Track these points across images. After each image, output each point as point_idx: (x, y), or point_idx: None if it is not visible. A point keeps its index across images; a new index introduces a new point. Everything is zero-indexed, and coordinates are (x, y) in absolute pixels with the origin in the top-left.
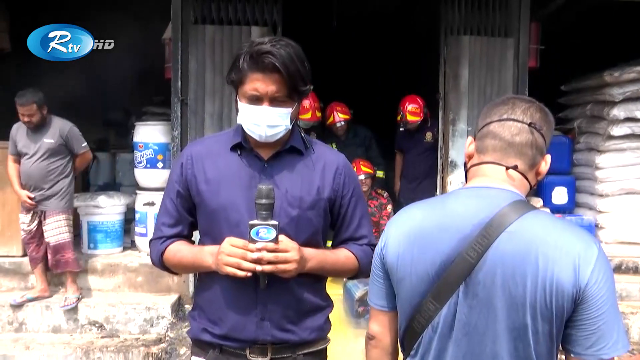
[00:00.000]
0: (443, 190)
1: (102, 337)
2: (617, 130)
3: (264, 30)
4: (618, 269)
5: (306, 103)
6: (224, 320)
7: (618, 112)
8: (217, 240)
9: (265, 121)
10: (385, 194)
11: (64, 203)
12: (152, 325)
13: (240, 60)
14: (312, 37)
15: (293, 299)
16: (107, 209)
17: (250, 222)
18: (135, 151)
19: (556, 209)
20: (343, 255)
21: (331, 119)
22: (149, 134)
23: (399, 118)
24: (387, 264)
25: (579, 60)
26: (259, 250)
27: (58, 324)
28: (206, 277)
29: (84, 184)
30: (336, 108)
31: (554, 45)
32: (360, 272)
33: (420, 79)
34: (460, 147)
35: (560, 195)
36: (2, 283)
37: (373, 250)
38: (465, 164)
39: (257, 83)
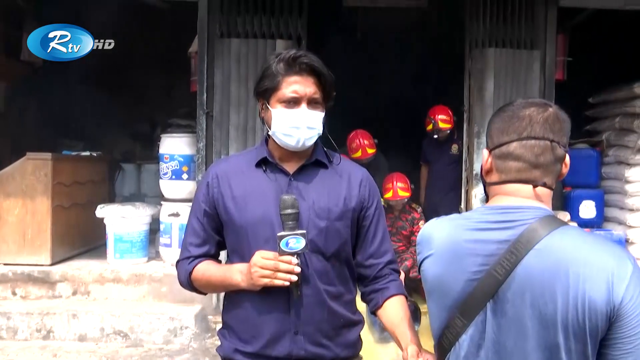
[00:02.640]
0: (468, 204)
1: (126, 347)
2: None
3: (288, 44)
4: None
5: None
6: (257, 338)
7: None
8: (245, 258)
9: (305, 123)
10: (419, 209)
11: None
12: (175, 336)
13: (272, 68)
14: (336, 50)
15: (327, 312)
16: (132, 219)
17: (279, 234)
18: (160, 162)
19: (584, 223)
20: (404, 309)
21: (359, 154)
22: (175, 145)
23: (430, 127)
24: (422, 280)
25: (607, 72)
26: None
27: (84, 333)
28: (235, 296)
29: (110, 194)
30: (364, 142)
31: (582, 57)
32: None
33: (444, 92)
34: None
35: (588, 209)
36: (31, 291)
37: (399, 273)
38: (481, 177)
39: (296, 85)
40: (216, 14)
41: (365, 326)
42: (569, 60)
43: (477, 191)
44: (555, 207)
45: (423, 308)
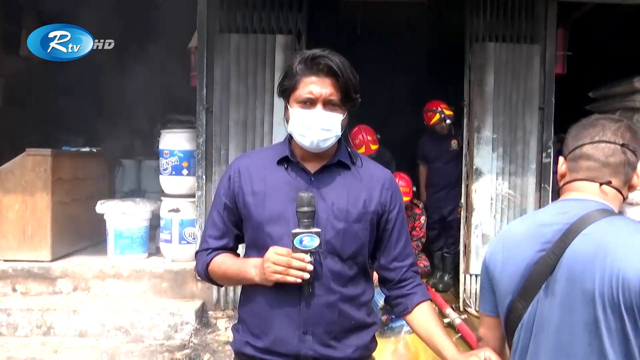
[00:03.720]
0: (468, 198)
1: (127, 342)
2: None
3: (288, 39)
4: None
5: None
6: (267, 333)
7: None
8: (262, 253)
9: (319, 124)
10: (421, 205)
11: None
12: (176, 331)
13: (293, 68)
14: (336, 46)
15: (337, 314)
16: (133, 215)
17: (293, 231)
18: (160, 158)
19: None
20: (436, 316)
21: (362, 150)
22: (174, 141)
23: (436, 117)
24: (488, 270)
25: (607, 67)
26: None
27: (85, 329)
28: (250, 290)
29: (110, 190)
30: (367, 137)
31: (582, 52)
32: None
33: (444, 87)
34: (485, 154)
35: None
36: (31, 287)
37: (419, 275)
38: (557, 182)
39: (312, 86)
40: (216, 8)
41: None
42: (569, 55)
43: (477, 186)
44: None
45: None
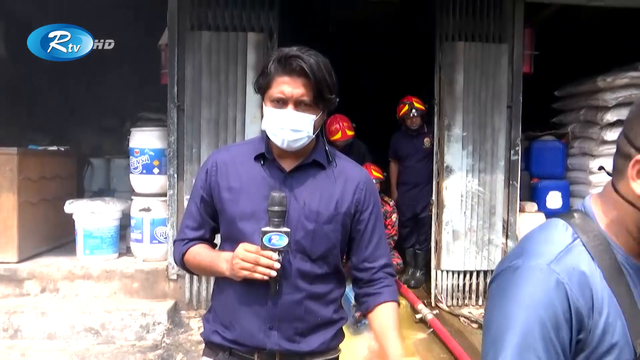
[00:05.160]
0: (439, 196)
1: (98, 344)
2: (610, 135)
3: (260, 37)
4: None
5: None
6: (234, 326)
7: (611, 117)
8: (235, 247)
9: (289, 125)
10: (392, 202)
11: None
12: (148, 332)
13: (268, 66)
14: (308, 43)
15: (303, 311)
16: (102, 214)
17: (263, 229)
18: (130, 157)
19: (550, 214)
20: (394, 318)
21: (338, 136)
22: (145, 139)
23: (405, 108)
24: None
25: (572, 66)
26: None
27: (54, 331)
28: (222, 282)
29: (79, 189)
30: (343, 124)
31: (548, 51)
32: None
33: (415, 85)
34: (455, 152)
35: (554, 199)
36: None
37: (393, 276)
38: None
39: (284, 86)
40: (186, 5)
41: None
42: (535, 54)
43: (448, 183)
44: (524, 198)
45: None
